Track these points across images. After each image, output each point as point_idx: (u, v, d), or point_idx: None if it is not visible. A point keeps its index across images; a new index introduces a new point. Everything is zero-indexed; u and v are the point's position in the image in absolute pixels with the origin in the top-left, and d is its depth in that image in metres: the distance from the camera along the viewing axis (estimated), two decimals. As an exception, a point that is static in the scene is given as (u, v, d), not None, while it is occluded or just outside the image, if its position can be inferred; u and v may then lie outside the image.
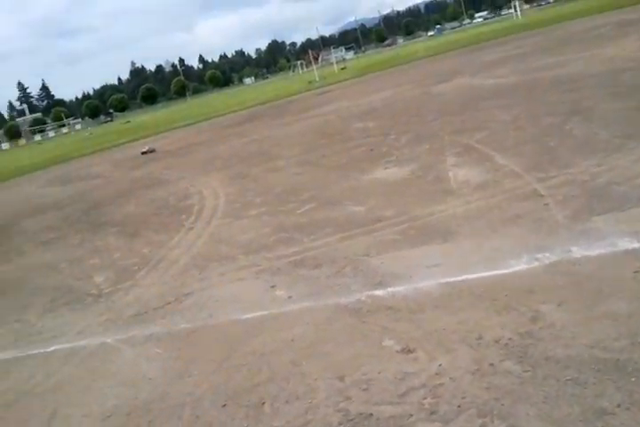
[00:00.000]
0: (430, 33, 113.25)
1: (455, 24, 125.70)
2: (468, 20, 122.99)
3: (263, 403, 2.90)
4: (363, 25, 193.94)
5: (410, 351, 3.02)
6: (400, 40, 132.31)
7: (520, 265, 3.69)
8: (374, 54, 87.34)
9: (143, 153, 17.74)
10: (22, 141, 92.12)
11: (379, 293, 3.81)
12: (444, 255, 4.17)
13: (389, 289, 3.81)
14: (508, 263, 3.75)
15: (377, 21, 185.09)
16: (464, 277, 3.72)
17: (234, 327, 3.90)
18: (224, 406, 2.97)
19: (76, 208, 10.74)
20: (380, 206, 5.70)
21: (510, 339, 2.87)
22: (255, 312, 4.06)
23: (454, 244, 4.34)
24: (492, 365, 2.70)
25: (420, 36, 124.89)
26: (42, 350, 4.30)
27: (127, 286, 5.26)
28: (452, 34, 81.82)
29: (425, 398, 2.57)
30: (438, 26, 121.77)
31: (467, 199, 5.23)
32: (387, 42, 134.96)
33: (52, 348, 4.29)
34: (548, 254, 3.73)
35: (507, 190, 5.17)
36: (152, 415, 3.05)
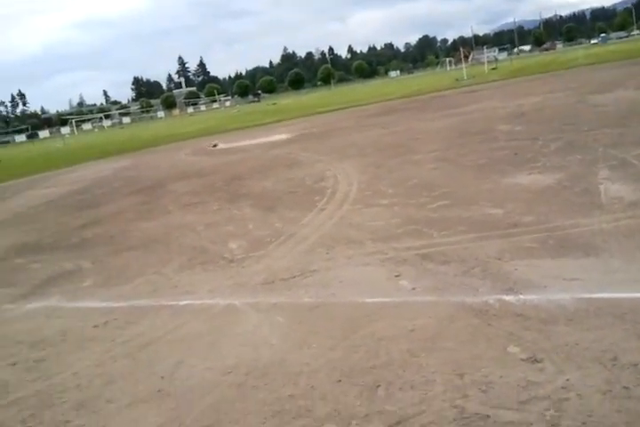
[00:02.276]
0: (594, 41, 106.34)
1: (622, 34, 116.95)
2: (637, 31, 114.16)
3: (378, 386, 2.92)
4: (520, 26, 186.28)
5: (536, 361, 2.91)
6: (559, 45, 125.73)
7: (671, 291, 3.43)
8: (529, 57, 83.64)
9: (214, 146, 18.41)
10: (176, 112, 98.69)
11: (508, 298, 3.69)
12: (584, 270, 3.95)
13: (521, 296, 3.68)
14: (656, 287, 3.49)
15: (536, 24, 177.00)
16: (605, 295, 3.51)
17: (355, 309, 3.95)
18: (339, 381, 3.03)
19: (217, 178, 11.33)
20: (518, 212, 5.50)
21: (650, 366, 2.68)
22: (377, 298, 4.08)
23: (597, 260, 4.09)
24: (626, 388, 2.54)
25: (581, 43, 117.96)
26: (175, 303, 4.60)
27: (258, 256, 5.49)
28: (617, 43, 76.40)
29: (547, 410, 2.47)
30: (603, 34, 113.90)
31: (617, 216, 4.90)
32: (545, 46, 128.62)
33: (184, 302, 4.59)
34: None
35: (664, 212, 4.80)
36: (269, 378, 3.18)
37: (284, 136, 18.03)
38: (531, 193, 6.12)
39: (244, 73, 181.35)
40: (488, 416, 2.50)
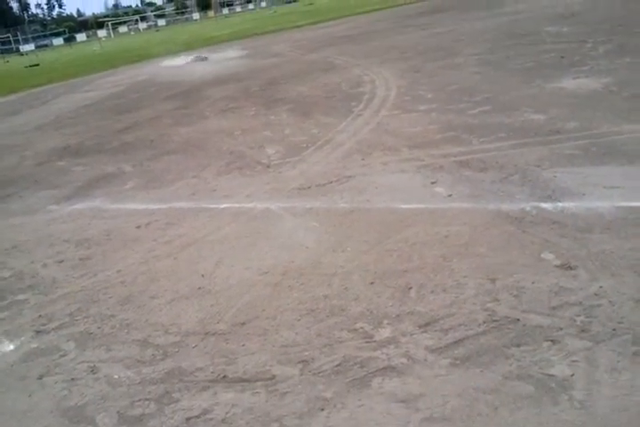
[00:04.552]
0: None
1: None
2: None
3: (410, 288, 3.00)
4: None
5: (570, 268, 2.92)
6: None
7: None
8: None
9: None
10: (211, 13, 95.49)
11: (546, 206, 3.66)
12: (625, 178, 3.85)
13: (558, 204, 3.64)
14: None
15: None
16: (646, 203, 3.45)
17: (389, 215, 3.98)
18: (372, 283, 3.12)
19: (253, 83, 11.12)
20: (562, 117, 5.31)
21: (686, 275, 2.68)
22: (412, 204, 4.09)
23: (640, 168, 3.98)
24: (658, 295, 2.56)
25: None
26: (214, 206, 4.71)
27: (294, 161, 5.50)
28: None
29: (578, 316, 2.52)
30: None
31: (666, 123, 4.70)
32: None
33: (224, 205, 4.68)
34: None
35: None
36: (305, 279, 3.29)
37: (320, 39, 17.39)
38: (576, 98, 5.87)
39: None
40: (518, 320, 2.57)
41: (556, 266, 2.97)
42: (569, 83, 6.53)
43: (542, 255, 3.10)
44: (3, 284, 3.97)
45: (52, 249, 4.44)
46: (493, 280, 2.94)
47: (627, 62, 6.94)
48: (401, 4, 27.30)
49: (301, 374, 2.45)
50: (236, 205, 4.63)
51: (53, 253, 4.34)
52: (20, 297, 3.71)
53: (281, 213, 4.31)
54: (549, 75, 7.04)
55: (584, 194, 3.72)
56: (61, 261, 4.17)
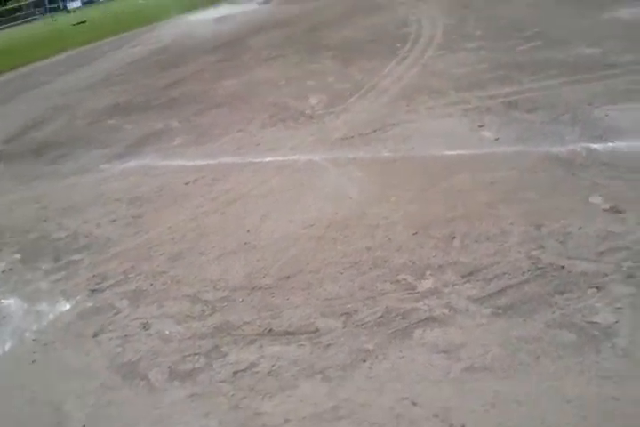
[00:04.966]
0: None
1: None
2: None
3: (453, 238, 2.98)
4: None
5: (619, 212, 2.83)
6: None
7: None
8: None
9: None
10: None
11: (596, 146, 3.51)
12: (686, 115, 3.64)
13: (610, 144, 3.49)
14: None
15: None
16: None
17: (434, 162, 3.91)
18: (415, 233, 3.11)
19: (296, 29, 10.89)
20: (618, 50, 4.99)
21: None
22: (458, 150, 4.00)
23: (703, 102, 3.74)
24: None
25: None
26: (259, 160, 4.73)
27: (338, 111, 5.42)
28: None
29: (625, 261, 2.45)
30: None
31: None
32: None
33: (268, 159, 4.70)
34: None
35: None
36: (349, 231, 3.31)
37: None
38: (633, 29, 5.50)
39: None
40: (563, 267, 2.52)
41: (605, 210, 2.87)
42: (626, 12, 6.11)
43: (591, 199, 3.00)
44: (59, 244, 4.16)
45: (104, 208, 4.59)
46: (539, 227, 2.88)
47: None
48: None
49: (344, 327, 2.51)
50: (280, 159, 4.64)
51: (106, 212, 4.49)
52: (76, 257, 3.88)
53: (324, 165, 4.30)
54: (603, 4, 6.59)
55: (637, 133, 3.54)
56: (114, 220, 4.32)
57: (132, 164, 5.50)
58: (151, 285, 3.28)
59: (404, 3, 10.48)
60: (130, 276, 3.45)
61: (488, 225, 3.01)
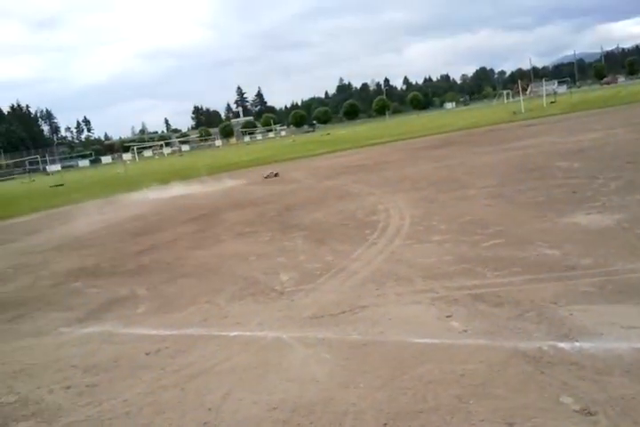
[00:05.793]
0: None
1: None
2: None
3: (425, 432, 2.87)
4: (581, 59, 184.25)
5: (590, 414, 2.80)
6: (621, 79, 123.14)
7: None
8: (590, 91, 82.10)
9: (266, 177, 18.50)
10: (233, 140, 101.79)
11: (563, 345, 3.58)
12: (643, 318, 3.81)
13: (576, 344, 3.57)
14: None
15: (598, 57, 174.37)
16: (666, 346, 3.37)
17: (404, 349, 3.90)
18: (385, 425, 2.99)
19: (270, 208, 11.48)
20: (576, 253, 5.35)
21: None
22: (427, 339, 4.02)
23: (658, 308, 3.94)
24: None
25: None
26: (225, 333, 4.65)
27: (308, 289, 5.51)
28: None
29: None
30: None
31: (680, 262, 4.72)
32: (605, 79, 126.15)
33: (234, 333, 4.62)
34: None
35: None
36: (315, 417, 3.16)
37: (336, 168, 18.18)
38: (589, 234, 5.96)
39: (300, 103, 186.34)
40: (539, 472, 2.42)
41: (576, 411, 2.84)
42: (582, 218, 6.66)
43: (561, 399, 2.98)
44: (7, 409, 3.84)
45: (59, 374, 4.34)
46: (511, 425, 2.81)
47: (638, 199, 7.12)
48: (415, 137, 28.77)
49: None
50: (247, 334, 4.57)
51: (61, 379, 4.24)
52: (23, 425, 3.58)
53: (292, 344, 4.24)
54: (562, 209, 7.20)
55: (602, 334, 3.65)
56: (68, 388, 4.06)
57: (92, 329, 5.33)
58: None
59: (372, 193, 11.28)
60: (77, 453, 3.16)
61: (460, 421, 2.93)
